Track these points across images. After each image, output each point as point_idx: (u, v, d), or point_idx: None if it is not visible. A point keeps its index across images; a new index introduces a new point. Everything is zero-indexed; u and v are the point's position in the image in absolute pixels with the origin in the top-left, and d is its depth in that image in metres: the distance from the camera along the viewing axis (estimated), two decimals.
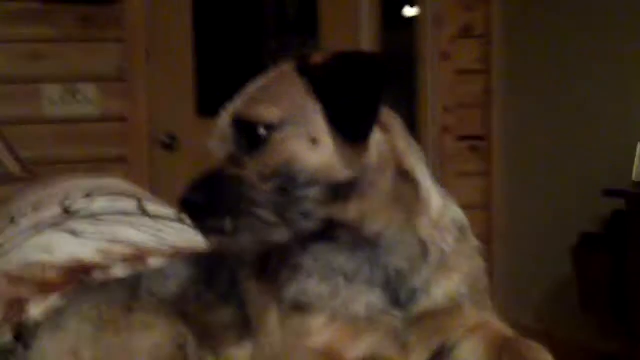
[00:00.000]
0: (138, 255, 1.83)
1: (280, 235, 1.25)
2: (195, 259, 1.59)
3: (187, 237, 2.01)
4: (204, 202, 1.26)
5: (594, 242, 4.09)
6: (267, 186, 1.25)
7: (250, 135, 1.29)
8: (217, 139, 1.35)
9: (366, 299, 1.30)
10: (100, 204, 2.20)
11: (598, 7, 4.35)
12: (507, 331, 1.39)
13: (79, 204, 2.22)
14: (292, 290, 1.33)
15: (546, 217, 4.63)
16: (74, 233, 1.97)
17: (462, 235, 1.39)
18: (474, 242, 1.42)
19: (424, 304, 1.32)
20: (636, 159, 3.75)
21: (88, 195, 2.28)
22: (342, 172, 1.27)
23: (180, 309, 1.46)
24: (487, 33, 5.00)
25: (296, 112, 1.29)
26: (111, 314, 1.43)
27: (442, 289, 1.34)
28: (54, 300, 1.60)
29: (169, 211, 2.28)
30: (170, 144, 4.62)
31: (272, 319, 1.35)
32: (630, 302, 3.73)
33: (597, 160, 4.27)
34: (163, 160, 4.61)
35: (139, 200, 2.31)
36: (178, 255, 1.75)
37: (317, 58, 1.33)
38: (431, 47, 4.96)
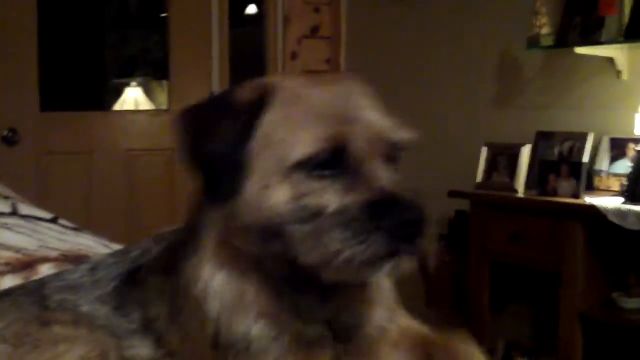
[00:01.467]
0: (26, 262, 1.75)
1: None
2: (101, 274, 1.48)
3: (68, 239, 1.94)
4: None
5: (437, 241, 4.23)
6: None
7: (396, 156, 1.27)
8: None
9: (312, 331, 1.28)
10: None
11: (446, 10, 4.51)
12: (425, 330, 1.42)
13: None
14: (231, 333, 1.26)
15: None
16: None
17: None
18: None
19: (359, 339, 1.33)
20: (481, 163, 3.91)
21: None
22: None
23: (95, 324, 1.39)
24: (334, 34, 5.07)
25: None
26: (26, 329, 1.33)
27: (372, 323, 1.35)
28: None
29: (41, 212, 2.19)
30: (11, 138, 4.44)
31: None
32: (470, 297, 3.89)
33: (444, 163, 4.42)
34: (3, 155, 4.43)
35: (11, 200, 2.21)
36: (71, 261, 1.64)
37: None
38: (280, 46, 4.98)
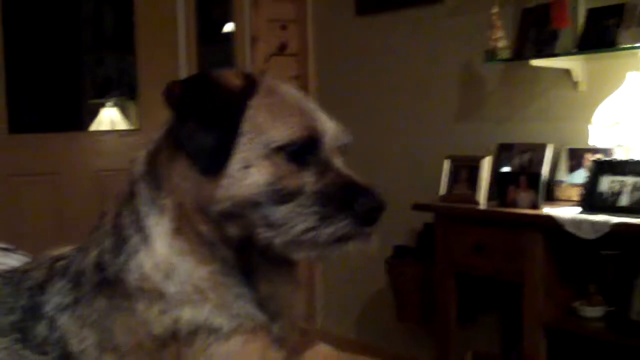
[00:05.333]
0: None
1: None
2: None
3: None
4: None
5: (405, 254, 4.25)
6: None
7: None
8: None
9: (259, 316, 1.36)
10: None
11: (407, 25, 4.56)
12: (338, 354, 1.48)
13: None
14: (192, 323, 1.30)
15: None
16: None
17: None
18: None
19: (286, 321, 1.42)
20: (443, 176, 3.93)
21: None
22: None
23: None
24: (301, 51, 5.11)
25: None
26: None
27: (296, 307, 1.46)
28: None
29: None
30: None
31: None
32: (438, 309, 3.91)
33: (409, 176, 4.45)
34: None
35: None
36: None
37: None
38: (248, 64, 5.02)
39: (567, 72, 3.75)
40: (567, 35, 3.63)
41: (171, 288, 1.31)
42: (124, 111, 5.73)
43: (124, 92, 5.80)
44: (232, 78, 1.35)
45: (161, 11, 4.90)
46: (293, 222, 1.27)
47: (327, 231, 1.27)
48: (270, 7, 5.04)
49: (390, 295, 4.33)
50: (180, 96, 1.34)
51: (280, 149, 1.29)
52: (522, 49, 3.78)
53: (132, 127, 5.53)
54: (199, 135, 1.29)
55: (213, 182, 1.29)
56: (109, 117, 5.64)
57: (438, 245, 3.87)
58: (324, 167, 1.32)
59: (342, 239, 1.29)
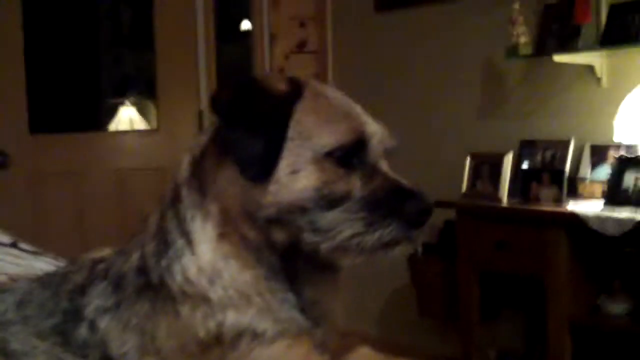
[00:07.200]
0: None
1: None
2: (31, 311, 1.45)
3: (23, 263, 1.96)
4: None
5: (427, 251, 4.24)
6: None
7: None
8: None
9: (303, 321, 1.35)
10: None
11: (428, 22, 4.54)
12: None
13: None
14: (237, 327, 1.30)
15: None
16: None
17: None
18: None
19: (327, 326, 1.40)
20: (465, 173, 3.91)
21: None
22: None
23: None
24: (320, 49, 5.09)
25: None
26: None
27: (337, 312, 1.43)
28: None
29: (0, 237, 2.20)
30: (1, 162, 4.48)
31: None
32: (461, 306, 3.89)
33: (430, 174, 4.42)
34: None
35: None
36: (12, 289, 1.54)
37: None
38: (267, 61, 5.01)
39: (589, 68, 3.73)
40: (589, 31, 3.61)
41: (215, 292, 1.30)
42: (142, 110, 5.73)
43: (142, 90, 5.80)
44: (277, 83, 1.34)
45: (179, 8, 4.88)
46: (340, 227, 1.27)
47: (374, 237, 1.26)
48: (290, 5, 5.03)
49: (412, 291, 4.32)
50: (228, 102, 1.33)
51: (327, 153, 1.28)
52: (544, 45, 3.76)
53: (150, 127, 5.52)
54: (247, 141, 1.28)
55: (260, 188, 1.29)
56: (128, 116, 5.65)
57: (460, 243, 3.86)
58: (371, 171, 1.31)
59: (389, 244, 1.27)
